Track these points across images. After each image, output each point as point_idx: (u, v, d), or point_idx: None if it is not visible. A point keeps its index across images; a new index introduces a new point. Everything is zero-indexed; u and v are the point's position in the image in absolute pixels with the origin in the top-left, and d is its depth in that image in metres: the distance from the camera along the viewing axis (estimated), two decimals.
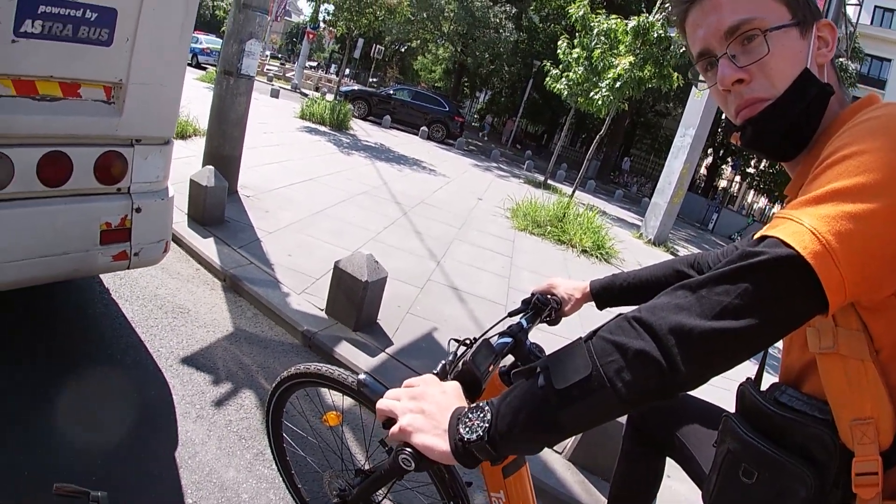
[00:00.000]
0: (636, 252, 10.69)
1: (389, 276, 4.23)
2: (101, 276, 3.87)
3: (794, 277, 0.78)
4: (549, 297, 1.73)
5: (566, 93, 11.33)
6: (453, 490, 1.65)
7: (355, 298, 3.93)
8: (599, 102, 9.95)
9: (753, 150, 1.11)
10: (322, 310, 4.19)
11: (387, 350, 3.91)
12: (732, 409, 1.16)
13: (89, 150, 2.55)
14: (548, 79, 11.84)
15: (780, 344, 1.02)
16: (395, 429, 0.98)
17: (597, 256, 8.73)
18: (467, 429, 0.90)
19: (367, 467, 1.81)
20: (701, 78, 1.16)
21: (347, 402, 1.92)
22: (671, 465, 1.75)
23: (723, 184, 36.81)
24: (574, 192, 11.25)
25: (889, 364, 0.90)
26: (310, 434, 2.31)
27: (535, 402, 0.87)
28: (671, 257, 4.87)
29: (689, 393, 1.02)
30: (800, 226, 0.79)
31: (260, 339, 3.80)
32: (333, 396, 2.01)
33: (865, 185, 0.78)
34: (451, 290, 5.43)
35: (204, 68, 23.47)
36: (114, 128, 2.58)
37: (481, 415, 0.91)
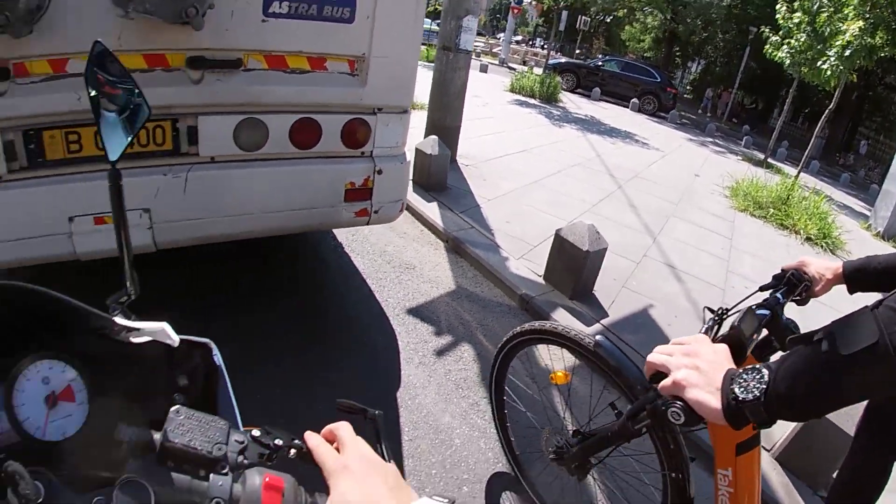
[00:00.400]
0: (863, 244, 9.51)
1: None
2: (336, 231, 4.27)
3: None
4: (802, 274, 1.64)
5: (788, 61, 10.37)
6: (676, 462, 1.65)
7: (574, 267, 3.99)
8: (828, 72, 8.96)
9: None
10: (539, 276, 4.29)
11: (602, 321, 3.91)
12: None
13: (336, 118, 2.82)
14: (767, 46, 10.90)
15: None
16: (667, 382, 1.00)
17: (822, 246, 7.95)
18: (742, 389, 0.90)
19: (586, 429, 1.85)
20: None
21: (573, 364, 1.95)
22: None
23: None
24: (799, 173, 10.31)
25: None
26: (535, 392, 2.39)
27: (817, 367, 0.86)
28: None
29: None
30: None
31: (479, 299, 3.98)
32: (553, 359, 2.06)
33: None
34: (667, 268, 5.30)
35: None
36: (358, 97, 2.82)
37: (758, 376, 0.90)
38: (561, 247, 4.05)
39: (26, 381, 0.83)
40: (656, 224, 6.57)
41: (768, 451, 3.11)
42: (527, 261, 4.52)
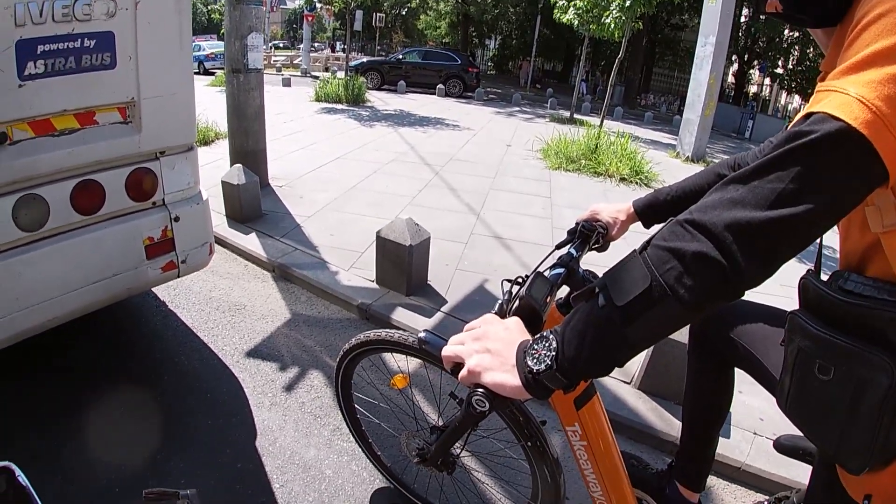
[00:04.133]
0: (675, 172, 10.39)
1: (433, 236, 4.23)
2: (156, 289, 3.97)
3: (848, 151, 0.73)
4: (594, 223, 1.68)
5: (577, 22, 11.13)
6: (528, 430, 1.65)
7: (402, 264, 3.96)
8: (612, 26, 9.70)
9: (798, 11, 1.00)
10: (372, 281, 4.23)
11: (442, 309, 3.92)
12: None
13: (118, 172, 2.61)
14: (555, 11, 11.57)
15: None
16: (463, 372, 0.96)
17: (636, 182, 8.56)
18: (535, 360, 0.88)
19: (440, 423, 1.82)
20: None
21: (413, 363, 1.92)
22: (742, 380, 1.69)
23: (753, 89, 35.74)
24: (602, 121, 11.00)
25: None
26: (381, 401, 2.34)
27: (599, 323, 0.84)
28: None
29: (746, 299, 0.96)
30: (845, 96, 0.74)
31: (318, 320, 3.86)
32: (397, 360, 2.01)
33: None
34: (495, 240, 5.41)
35: (212, 73, 23.33)
36: (136, 145, 2.63)
37: (547, 344, 0.88)
38: (384, 248, 4.01)
39: None
40: (477, 202, 6.70)
41: (628, 383, 3.26)
42: (357, 269, 4.44)
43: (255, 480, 2.47)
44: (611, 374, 3.04)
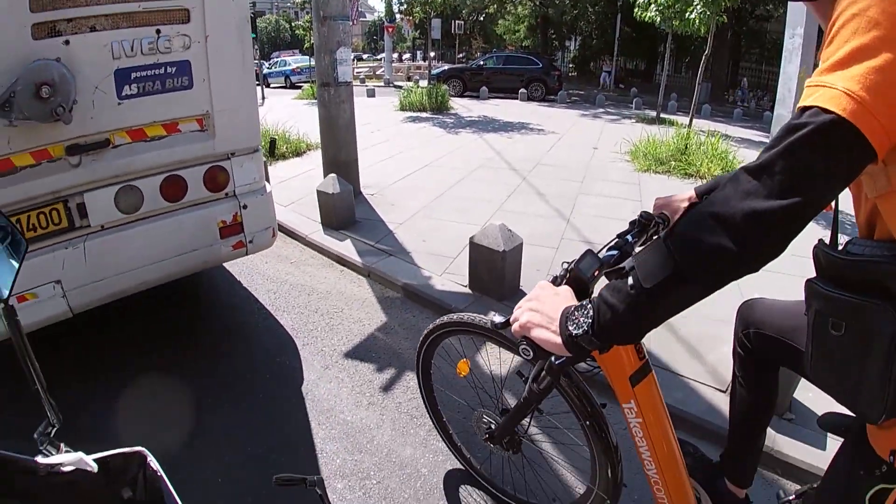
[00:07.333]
0: None
1: (523, 241, 4.25)
2: (258, 295, 4.23)
3: (841, 138, 0.83)
4: (655, 214, 1.77)
5: (658, 19, 10.85)
6: (588, 410, 1.77)
7: (495, 269, 4.02)
8: (696, 22, 9.46)
9: None
10: (465, 286, 4.30)
11: None
12: None
13: (197, 169, 3.26)
14: (636, 9, 11.37)
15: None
16: (516, 325, 1.17)
17: None
18: (574, 325, 1.05)
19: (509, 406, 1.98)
20: None
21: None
22: None
23: None
24: (691, 120, 10.72)
25: None
26: (455, 386, 2.46)
27: (628, 300, 0.98)
28: None
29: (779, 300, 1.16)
30: (834, 90, 0.84)
31: (412, 324, 3.96)
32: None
33: (879, 37, 0.83)
34: (585, 245, 5.31)
35: (299, 87, 24.11)
36: (211, 148, 3.26)
37: (585, 312, 1.04)
38: (478, 253, 4.07)
39: None
40: (566, 206, 6.66)
41: (724, 392, 3.17)
42: (450, 274, 4.53)
43: (355, 476, 2.60)
44: (705, 382, 3.11)
